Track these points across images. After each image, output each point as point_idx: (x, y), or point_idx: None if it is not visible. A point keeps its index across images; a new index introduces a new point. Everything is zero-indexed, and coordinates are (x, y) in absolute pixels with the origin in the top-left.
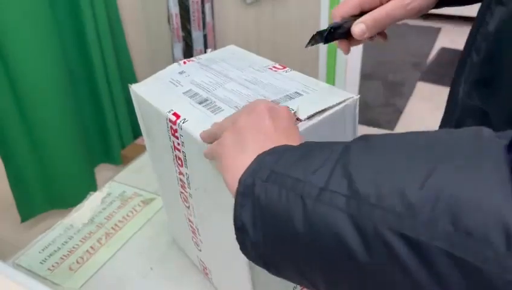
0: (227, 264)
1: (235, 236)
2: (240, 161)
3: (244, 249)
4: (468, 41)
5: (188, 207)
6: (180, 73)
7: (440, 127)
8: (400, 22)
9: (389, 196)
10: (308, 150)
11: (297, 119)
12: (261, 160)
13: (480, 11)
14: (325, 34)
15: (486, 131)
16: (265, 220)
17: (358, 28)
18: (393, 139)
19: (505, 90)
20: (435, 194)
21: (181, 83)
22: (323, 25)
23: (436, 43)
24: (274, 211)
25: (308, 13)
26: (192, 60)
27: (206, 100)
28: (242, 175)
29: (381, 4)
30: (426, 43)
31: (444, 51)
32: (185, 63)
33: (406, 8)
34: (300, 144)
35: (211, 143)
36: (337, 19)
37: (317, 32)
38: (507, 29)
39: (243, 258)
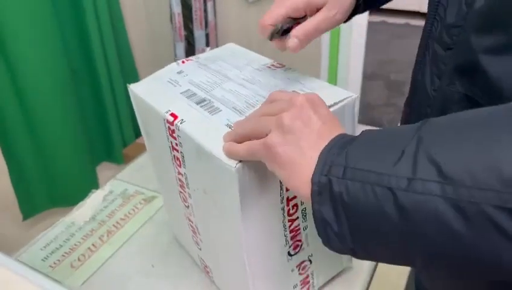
0: (226, 263)
1: (236, 236)
2: (302, 162)
3: (327, 242)
4: (422, 40)
5: (188, 207)
6: (179, 73)
7: (405, 122)
8: (402, 22)
9: (484, 176)
10: (371, 140)
11: None
12: (327, 157)
13: (429, 9)
14: (280, 31)
15: None
16: (351, 215)
17: (292, 42)
18: (460, 119)
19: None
20: None
21: (179, 83)
22: None
23: None
24: (361, 207)
25: None
26: (191, 60)
27: (203, 100)
28: (313, 176)
29: (306, 14)
30: None
31: None
32: (183, 62)
33: (332, 20)
34: (359, 135)
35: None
36: (266, 28)
37: (273, 30)
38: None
39: (241, 258)
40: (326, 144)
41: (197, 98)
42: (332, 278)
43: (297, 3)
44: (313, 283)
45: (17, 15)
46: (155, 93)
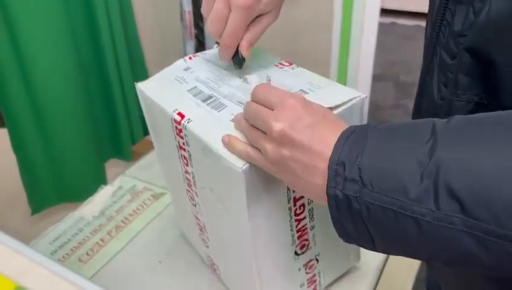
0: (234, 261)
1: (243, 235)
2: (309, 178)
3: (347, 241)
4: (430, 44)
5: (195, 205)
6: (186, 70)
7: None
8: (412, 24)
9: (503, 216)
10: (382, 151)
11: None
12: (337, 166)
13: (436, 13)
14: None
15: None
16: (372, 230)
17: (248, 51)
18: (480, 134)
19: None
20: None
21: (186, 80)
22: (337, 24)
23: None
24: (382, 224)
25: (321, 11)
26: (198, 56)
27: (210, 97)
28: (327, 189)
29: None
30: None
31: None
32: (190, 58)
33: (272, 22)
34: (369, 138)
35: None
36: (216, 36)
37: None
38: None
39: (248, 257)
40: (335, 144)
41: (203, 96)
42: (339, 278)
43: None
44: (319, 281)
45: (28, 11)
46: (162, 91)
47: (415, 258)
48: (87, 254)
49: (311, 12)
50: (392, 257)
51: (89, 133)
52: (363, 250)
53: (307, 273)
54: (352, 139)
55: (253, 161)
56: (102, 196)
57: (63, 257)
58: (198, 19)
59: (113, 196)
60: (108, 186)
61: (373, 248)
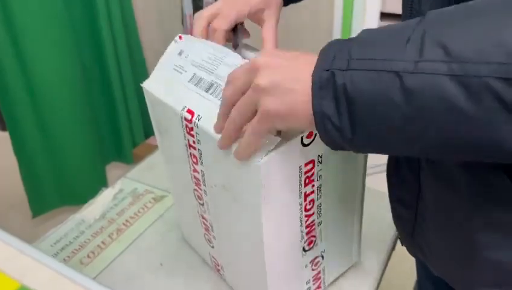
0: (242, 259)
1: (255, 231)
2: (294, 84)
3: (325, 135)
4: None
5: (202, 204)
6: (180, 54)
7: None
8: None
9: (491, 51)
10: (374, 34)
11: None
12: (327, 54)
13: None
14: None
15: None
16: (354, 106)
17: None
18: (467, 5)
19: None
20: None
21: (184, 68)
22: (337, 28)
23: None
24: (365, 96)
25: (321, 15)
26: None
27: (211, 85)
28: (314, 72)
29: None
30: None
31: None
32: (180, 38)
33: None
34: (358, 34)
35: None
36: (219, 32)
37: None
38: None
39: (260, 254)
40: (323, 48)
41: (205, 84)
42: (342, 276)
43: (244, 12)
44: (324, 278)
45: (30, 13)
46: (165, 87)
47: (394, 148)
48: (89, 256)
49: (311, 16)
50: (393, 257)
51: (90, 136)
52: (365, 249)
53: (312, 269)
54: (337, 43)
55: (261, 133)
56: (103, 199)
57: (64, 260)
58: None
59: (114, 199)
60: (110, 189)
61: (352, 138)
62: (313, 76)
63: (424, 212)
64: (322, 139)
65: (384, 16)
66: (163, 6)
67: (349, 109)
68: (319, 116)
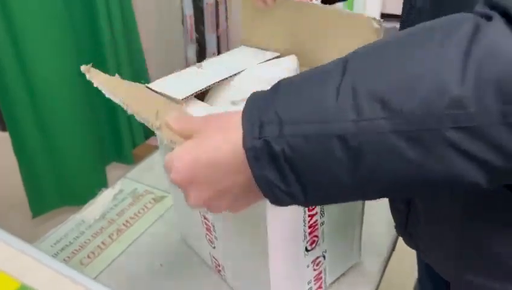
0: (245, 259)
1: (260, 230)
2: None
3: (276, 201)
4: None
5: None
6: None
7: None
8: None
9: (432, 98)
10: (297, 85)
11: None
12: (251, 118)
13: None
14: None
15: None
16: (298, 169)
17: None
18: (382, 42)
19: None
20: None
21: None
22: None
23: None
24: (308, 159)
25: None
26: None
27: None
28: (243, 142)
29: None
30: None
31: None
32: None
33: None
34: (276, 85)
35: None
36: None
37: None
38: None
39: (264, 254)
40: (242, 110)
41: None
42: (342, 277)
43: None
44: (325, 279)
45: (30, 13)
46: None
47: (352, 198)
48: (89, 256)
49: None
50: (393, 257)
51: (90, 137)
52: (365, 249)
53: (314, 269)
54: (258, 100)
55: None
56: (103, 199)
57: (64, 260)
58: (199, 23)
59: (114, 199)
60: (110, 189)
61: (304, 197)
62: (244, 146)
63: (417, 203)
64: (274, 204)
65: (384, 16)
66: (163, 6)
67: (294, 171)
68: (266, 186)
